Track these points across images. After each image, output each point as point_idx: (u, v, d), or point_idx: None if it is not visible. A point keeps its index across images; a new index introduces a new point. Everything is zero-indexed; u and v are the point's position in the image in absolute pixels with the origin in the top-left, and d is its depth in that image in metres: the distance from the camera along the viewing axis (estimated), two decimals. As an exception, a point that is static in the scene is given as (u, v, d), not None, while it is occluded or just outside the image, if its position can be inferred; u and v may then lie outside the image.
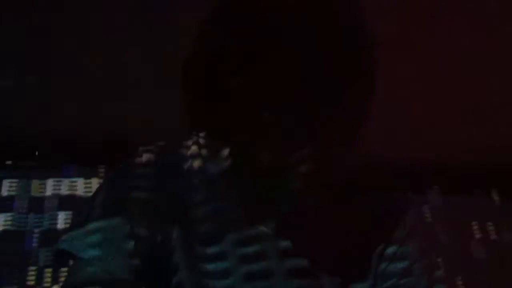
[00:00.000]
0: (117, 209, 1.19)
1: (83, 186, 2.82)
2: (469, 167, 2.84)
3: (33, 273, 2.65)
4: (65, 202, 2.78)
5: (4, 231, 2.69)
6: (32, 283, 2.64)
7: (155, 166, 1.25)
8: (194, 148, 1.27)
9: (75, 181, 2.84)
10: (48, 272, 2.65)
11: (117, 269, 1.15)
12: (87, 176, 2.84)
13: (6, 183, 2.80)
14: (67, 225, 2.73)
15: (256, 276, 1.18)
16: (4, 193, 2.78)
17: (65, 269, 1.30)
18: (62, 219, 2.75)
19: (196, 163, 1.25)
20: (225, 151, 1.20)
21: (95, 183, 2.82)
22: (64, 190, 2.81)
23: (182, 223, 1.18)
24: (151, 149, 1.28)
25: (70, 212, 2.75)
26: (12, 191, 2.78)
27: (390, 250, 1.24)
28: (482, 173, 2.88)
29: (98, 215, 1.20)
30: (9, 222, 2.72)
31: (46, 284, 2.63)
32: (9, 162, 2.75)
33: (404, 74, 2.19)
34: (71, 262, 1.21)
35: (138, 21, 2.14)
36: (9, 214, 2.73)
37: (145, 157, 1.26)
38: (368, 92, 1.15)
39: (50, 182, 2.81)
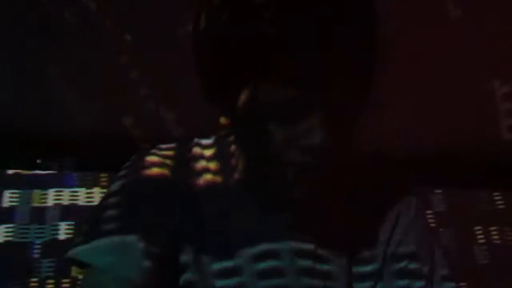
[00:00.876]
0: (131, 225, 1.17)
1: (84, 196, 2.82)
2: (472, 168, 2.84)
3: (35, 284, 2.64)
4: (67, 212, 2.78)
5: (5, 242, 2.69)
6: (34, 294, 2.63)
7: (170, 168, 1.24)
8: (206, 151, 1.27)
9: (76, 191, 2.83)
10: (50, 284, 2.64)
11: (132, 274, 1.14)
12: (89, 185, 2.83)
13: (7, 193, 2.80)
14: (70, 236, 2.72)
15: (267, 275, 1.18)
16: (5, 204, 2.78)
17: (67, 280, 1.29)
18: (64, 230, 2.75)
19: (211, 165, 1.25)
20: (238, 155, 1.20)
21: (97, 192, 2.81)
22: (66, 200, 2.81)
23: (194, 236, 1.18)
24: (164, 148, 1.27)
25: (72, 222, 2.75)
26: (14, 201, 2.78)
27: (397, 233, 1.25)
28: (486, 175, 2.88)
29: (110, 228, 1.18)
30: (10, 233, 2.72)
31: (48, 295, 2.63)
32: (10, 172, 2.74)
33: (406, 71, 2.19)
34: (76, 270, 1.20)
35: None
36: (10, 225, 2.73)
37: (157, 157, 1.25)
38: (370, 91, 1.16)
39: (51, 192, 2.81)
